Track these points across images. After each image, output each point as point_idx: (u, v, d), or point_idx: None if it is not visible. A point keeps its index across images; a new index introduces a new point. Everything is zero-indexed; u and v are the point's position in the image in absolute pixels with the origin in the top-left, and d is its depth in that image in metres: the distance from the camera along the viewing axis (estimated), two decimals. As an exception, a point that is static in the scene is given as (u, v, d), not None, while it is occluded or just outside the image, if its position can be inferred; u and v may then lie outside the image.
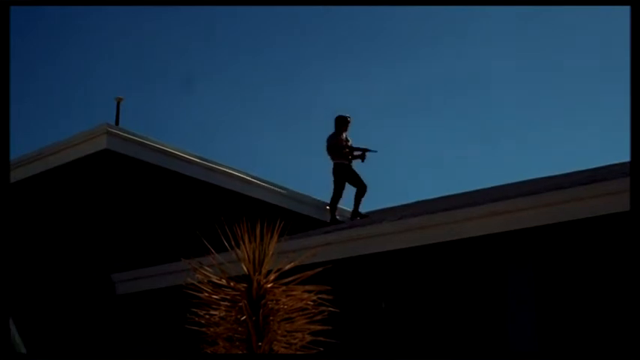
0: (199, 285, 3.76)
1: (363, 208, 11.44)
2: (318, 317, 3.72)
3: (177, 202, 11.17)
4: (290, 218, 8.02)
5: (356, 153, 11.44)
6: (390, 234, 8.20)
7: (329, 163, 11.46)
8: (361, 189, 11.31)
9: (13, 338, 2.96)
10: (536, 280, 7.36)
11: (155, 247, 10.60)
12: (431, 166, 21.16)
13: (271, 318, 3.72)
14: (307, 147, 21.66)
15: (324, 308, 3.73)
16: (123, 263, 10.32)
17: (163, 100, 21.85)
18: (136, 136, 10.77)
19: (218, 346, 3.74)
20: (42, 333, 10.15)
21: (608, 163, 9.91)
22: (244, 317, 3.67)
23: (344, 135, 11.48)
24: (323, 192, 12.29)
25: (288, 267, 3.88)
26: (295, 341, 3.74)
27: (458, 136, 21.40)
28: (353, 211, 11.32)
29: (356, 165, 11.48)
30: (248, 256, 3.79)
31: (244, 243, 3.80)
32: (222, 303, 3.75)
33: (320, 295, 3.74)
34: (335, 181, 11.45)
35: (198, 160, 11.33)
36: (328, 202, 11.75)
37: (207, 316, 3.73)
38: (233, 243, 3.87)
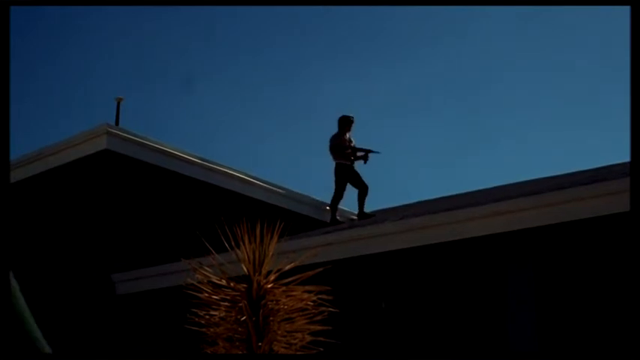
0: (199, 285, 3.75)
1: (365, 209, 11.42)
2: (319, 317, 3.71)
3: (178, 203, 11.17)
4: (290, 218, 8.03)
5: (359, 154, 11.40)
6: (391, 234, 8.20)
7: (329, 163, 11.44)
8: (363, 190, 11.27)
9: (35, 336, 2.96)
10: (536, 280, 7.36)
11: (155, 248, 10.60)
12: (431, 166, 21.18)
13: (271, 318, 3.71)
14: (307, 147, 21.66)
15: (324, 308, 3.72)
16: (123, 263, 10.32)
17: (163, 100, 21.87)
18: (135, 136, 10.76)
19: (218, 346, 3.73)
20: (42, 333, 10.13)
21: (610, 163, 9.90)
22: (244, 317, 3.66)
23: (347, 135, 11.43)
24: (323, 192, 12.30)
25: (288, 267, 3.87)
26: (295, 341, 3.73)
27: (458, 136, 21.42)
28: (359, 212, 11.26)
29: (357, 165, 11.46)
30: (248, 256, 3.78)
31: (244, 243, 3.79)
32: (222, 303, 3.74)
33: (320, 296, 3.73)
34: (336, 182, 11.41)
35: (198, 161, 11.32)
36: (328, 202, 11.73)
37: (207, 317, 3.72)
38: (233, 243, 3.86)
